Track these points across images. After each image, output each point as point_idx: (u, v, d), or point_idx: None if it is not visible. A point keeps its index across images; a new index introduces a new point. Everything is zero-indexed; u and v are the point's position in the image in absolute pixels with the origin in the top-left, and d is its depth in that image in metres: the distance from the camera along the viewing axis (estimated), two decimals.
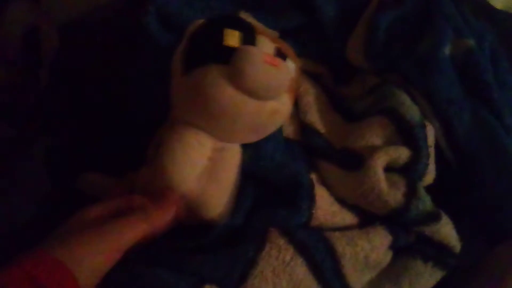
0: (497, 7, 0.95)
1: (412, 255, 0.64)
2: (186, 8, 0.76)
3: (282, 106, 0.60)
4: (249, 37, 0.58)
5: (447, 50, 0.75)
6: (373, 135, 0.69)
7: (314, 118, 0.72)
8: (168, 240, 0.61)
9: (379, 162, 0.65)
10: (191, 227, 0.61)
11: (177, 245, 0.60)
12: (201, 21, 0.61)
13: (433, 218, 0.63)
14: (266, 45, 0.59)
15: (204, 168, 0.59)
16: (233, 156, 0.61)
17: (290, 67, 0.61)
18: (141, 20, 0.74)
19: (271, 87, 0.57)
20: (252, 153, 0.62)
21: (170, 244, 0.60)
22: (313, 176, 0.66)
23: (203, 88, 0.56)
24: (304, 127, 0.72)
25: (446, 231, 0.63)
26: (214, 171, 0.59)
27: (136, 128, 0.72)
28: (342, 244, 0.60)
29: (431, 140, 0.69)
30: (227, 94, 0.56)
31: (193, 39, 0.59)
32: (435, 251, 0.63)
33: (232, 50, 0.56)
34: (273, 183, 0.63)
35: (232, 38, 0.56)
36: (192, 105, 0.58)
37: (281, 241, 0.59)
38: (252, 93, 0.56)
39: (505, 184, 0.69)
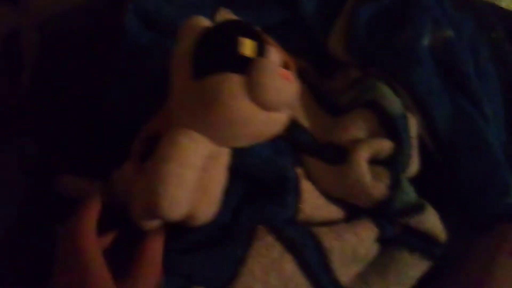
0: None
1: (398, 246, 0.64)
2: (166, 5, 0.76)
3: (284, 116, 0.62)
4: (262, 47, 0.58)
5: (426, 41, 0.75)
6: (357, 128, 0.69)
7: (298, 113, 0.72)
8: None
9: (363, 155, 0.65)
10: (177, 227, 0.61)
11: (165, 246, 0.60)
12: (202, 22, 0.62)
13: (418, 209, 0.64)
14: (275, 56, 0.60)
15: (196, 184, 0.58)
16: (225, 161, 0.62)
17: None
18: (121, 18, 0.73)
19: (284, 100, 0.59)
20: (240, 150, 0.63)
21: None
22: (299, 171, 0.67)
23: (219, 96, 0.56)
24: (288, 122, 0.72)
25: (431, 221, 0.64)
26: (207, 183, 0.59)
27: (118, 127, 0.72)
28: (329, 239, 0.61)
29: (413, 131, 0.70)
30: (242, 104, 0.56)
31: (206, 44, 0.59)
32: (421, 242, 0.64)
33: (248, 60, 0.57)
34: (260, 179, 0.64)
35: (248, 47, 0.57)
36: (201, 110, 0.58)
37: (269, 238, 0.59)
38: (265, 105, 0.57)
39: (486, 170, 0.70)
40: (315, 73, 0.81)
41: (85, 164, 0.73)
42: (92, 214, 0.59)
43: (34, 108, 0.78)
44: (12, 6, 0.95)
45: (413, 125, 0.70)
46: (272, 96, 0.57)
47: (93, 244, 0.57)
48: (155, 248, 0.59)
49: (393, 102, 0.70)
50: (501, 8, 0.98)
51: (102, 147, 0.74)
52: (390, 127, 0.68)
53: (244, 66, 0.56)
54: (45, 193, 0.71)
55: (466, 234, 0.70)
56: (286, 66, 0.61)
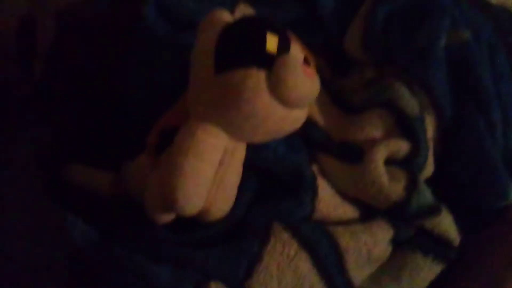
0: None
1: (412, 248, 0.64)
2: None
3: (303, 113, 0.61)
4: (285, 43, 0.58)
5: (443, 41, 0.75)
6: (373, 128, 0.69)
7: (313, 110, 0.72)
8: (169, 234, 0.61)
9: (380, 155, 0.65)
10: (191, 220, 0.61)
11: (179, 239, 0.60)
12: (224, 16, 0.61)
13: (434, 211, 0.64)
14: (298, 53, 0.59)
15: (212, 179, 0.58)
16: (240, 156, 0.61)
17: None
18: (140, 9, 0.73)
19: (306, 97, 0.58)
20: (255, 146, 0.62)
21: (172, 238, 0.60)
22: (315, 168, 0.66)
23: (242, 91, 0.55)
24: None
25: (446, 224, 0.64)
26: (222, 178, 0.59)
27: (132, 118, 0.72)
28: (345, 239, 0.61)
29: (430, 133, 0.70)
30: (264, 99, 0.56)
31: (229, 39, 0.58)
32: (435, 244, 0.64)
33: (273, 56, 0.56)
34: (275, 175, 0.64)
35: (272, 43, 0.56)
36: (221, 105, 0.57)
37: (285, 236, 0.59)
38: (286, 102, 0.57)
39: (483, 175, 0.70)
40: (329, 71, 0.81)
41: (97, 154, 0.73)
42: None
43: (48, 96, 0.77)
44: None
45: (430, 127, 0.70)
46: (295, 93, 0.56)
47: None
48: None
49: (410, 103, 0.70)
50: None
51: (114, 138, 0.74)
52: (407, 128, 0.68)
53: (268, 62, 0.56)
54: (55, 181, 0.70)
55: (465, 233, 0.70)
56: (307, 62, 0.60)
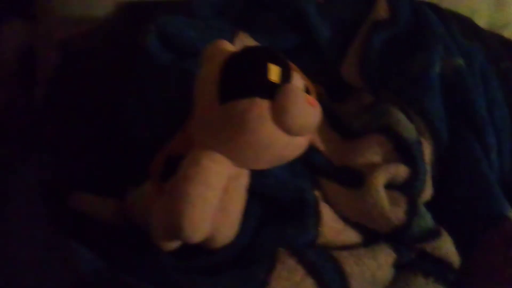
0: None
1: (413, 271, 0.65)
2: (186, 28, 0.77)
3: (305, 140, 0.62)
4: (287, 73, 0.59)
5: (437, 69, 0.77)
6: (372, 153, 0.71)
7: (314, 136, 0.73)
8: (175, 261, 0.61)
9: (380, 179, 0.67)
10: (197, 247, 0.62)
11: (185, 266, 0.60)
12: (227, 47, 0.63)
13: (434, 234, 0.65)
14: (299, 82, 0.61)
15: (217, 205, 0.59)
16: (244, 183, 0.62)
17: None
18: (142, 39, 0.74)
19: (308, 126, 0.60)
20: (258, 172, 0.63)
21: (178, 265, 0.61)
22: (317, 194, 0.68)
23: (246, 120, 0.57)
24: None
25: (447, 247, 0.65)
26: (227, 205, 0.60)
27: (136, 146, 0.73)
28: (350, 264, 0.61)
29: (427, 156, 0.72)
30: (268, 128, 0.57)
31: (233, 69, 0.60)
32: (435, 267, 0.65)
33: (275, 86, 0.57)
34: (279, 200, 0.65)
35: (275, 73, 0.58)
36: (226, 133, 0.59)
37: (291, 262, 0.60)
38: (289, 130, 0.58)
39: (479, 197, 0.71)
40: (327, 97, 0.82)
41: (100, 181, 0.73)
42: None
43: (51, 124, 0.78)
44: (27, 23, 0.96)
45: (428, 151, 0.72)
46: (297, 121, 0.58)
47: None
48: None
49: (407, 127, 0.72)
50: (505, 38, 1.00)
51: (117, 164, 0.74)
52: (405, 152, 0.70)
53: (271, 91, 0.57)
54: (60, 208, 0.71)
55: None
56: (308, 91, 0.62)
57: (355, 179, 0.69)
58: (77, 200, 0.72)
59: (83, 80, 0.80)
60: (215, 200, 0.59)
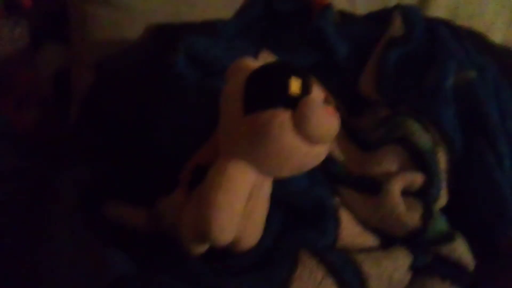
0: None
1: (430, 274, 0.68)
2: (213, 48, 0.81)
3: (324, 149, 0.65)
4: (307, 85, 0.63)
5: (450, 82, 0.81)
6: (389, 162, 0.74)
7: (333, 147, 0.77)
8: (204, 264, 0.65)
9: (397, 187, 0.70)
10: (223, 251, 0.65)
11: (213, 268, 0.64)
12: (250, 63, 0.67)
13: (449, 238, 0.68)
14: (318, 94, 0.65)
15: (242, 211, 0.62)
16: (267, 190, 0.66)
17: None
18: (171, 58, 0.79)
19: (328, 134, 0.63)
20: (280, 181, 0.67)
21: (207, 268, 0.64)
22: (336, 200, 0.71)
23: (270, 130, 0.60)
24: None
25: (461, 250, 0.68)
26: (251, 211, 0.64)
27: (166, 159, 0.77)
28: (368, 265, 0.65)
29: (442, 165, 0.75)
30: (289, 137, 0.61)
31: (256, 83, 0.64)
32: (451, 270, 0.68)
33: (297, 97, 0.61)
34: (300, 206, 0.68)
35: (296, 85, 0.62)
36: (251, 143, 0.62)
37: (313, 262, 0.63)
38: (310, 138, 0.61)
39: (493, 206, 0.74)
40: (345, 111, 0.86)
41: (133, 192, 0.77)
42: None
43: (86, 140, 0.83)
44: (63, 46, 1.01)
45: (443, 160, 0.75)
46: (318, 130, 0.61)
47: None
48: None
49: (422, 138, 0.75)
50: None
51: (148, 176, 0.78)
52: (420, 161, 0.73)
53: (292, 103, 0.61)
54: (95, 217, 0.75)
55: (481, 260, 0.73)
56: (327, 102, 0.65)
57: (373, 186, 0.72)
58: (111, 209, 0.76)
59: (115, 99, 0.84)
60: (240, 206, 0.62)
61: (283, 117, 0.60)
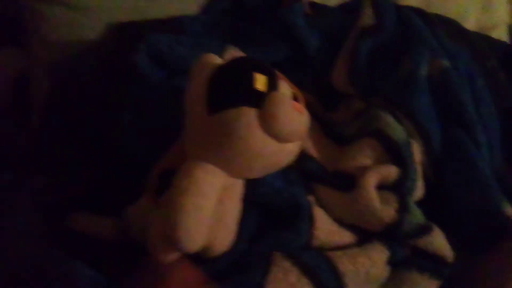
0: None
1: (408, 267, 0.67)
2: (177, 46, 0.79)
3: (295, 147, 0.64)
4: (274, 81, 0.61)
5: (424, 72, 0.79)
6: (364, 156, 0.72)
7: (307, 144, 0.75)
8: None
9: (371, 181, 0.68)
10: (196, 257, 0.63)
11: None
12: (213, 60, 0.65)
13: (425, 230, 0.67)
14: (286, 90, 0.63)
15: (212, 215, 0.60)
16: (238, 192, 0.64)
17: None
18: (132, 58, 0.76)
19: (297, 131, 0.62)
20: (252, 181, 0.65)
21: None
22: (311, 198, 0.69)
23: (236, 129, 0.59)
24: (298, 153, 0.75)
25: (439, 242, 0.67)
26: (222, 214, 0.62)
27: (131, 164, 0.74)
28: (343, 262, 0.63)
29: (417, 157, 0.73)
30: (257, 136, 0.59)
31: (220, 80, 0.62)
32: (429, 262, 0.67)
33: (262, 94, 0.59)
34: (273, 207, 0.66)
35: (261, 82, 0.60)
36: (216, 144, 0.61)
37: (286, 264, 0.61)
38: (279, 136, 0.60)
39: (476, 193, 0.73)
40: (320, 106, 0.84)
41: (97, 200, 0.75)
42: None
43: (45, 147, 0.80)
44: (20, 50, 0.98)
45: (417, 152, 0.73)
46: (286, 128, 0.59)
47: None
48: None
49: (397, 130, 0.74)
50: (492, 38, 1.02)
51: (113, 183, 0.76)
52: (395, 154, 0.72)
53: (258, 100, 0.59)
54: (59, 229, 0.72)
55: (467, 252, 0.71)
56: (295, 98, 0.63)
57: (348, 182, 0.70)
58: (76, 221, 0.74)
59: (76, 103, 0.81)
60: (209, 210, 0.60)
61: (249, 115, 0.59)
